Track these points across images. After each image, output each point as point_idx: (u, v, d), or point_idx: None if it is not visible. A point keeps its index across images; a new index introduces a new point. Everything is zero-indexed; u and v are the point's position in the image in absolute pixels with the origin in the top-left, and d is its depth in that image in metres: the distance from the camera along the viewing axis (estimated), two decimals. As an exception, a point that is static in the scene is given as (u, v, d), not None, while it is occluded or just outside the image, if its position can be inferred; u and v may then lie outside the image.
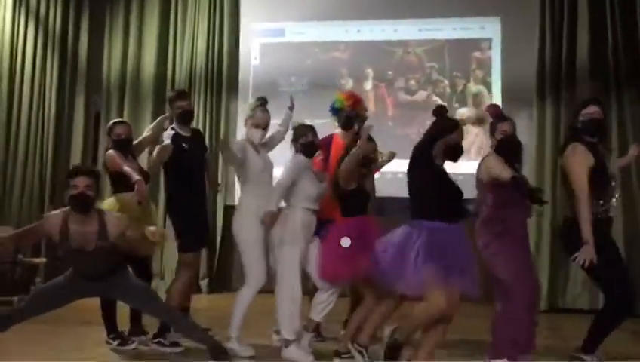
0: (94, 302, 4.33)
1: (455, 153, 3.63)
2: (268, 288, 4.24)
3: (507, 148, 3.80)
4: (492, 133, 3.94)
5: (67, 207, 3.69)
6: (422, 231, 3.48)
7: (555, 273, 6.23)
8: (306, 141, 4.16)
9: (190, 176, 4.43)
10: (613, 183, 3.76)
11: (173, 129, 4.41)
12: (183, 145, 4.35)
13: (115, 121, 4.84)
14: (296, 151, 4.19)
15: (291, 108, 4.70)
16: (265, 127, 4.42)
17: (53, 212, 3.80)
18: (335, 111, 4.62)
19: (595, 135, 3.78)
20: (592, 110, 3.78)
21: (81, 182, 3.59)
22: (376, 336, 3.98)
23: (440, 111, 3.71)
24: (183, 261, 4.44)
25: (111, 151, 4.42)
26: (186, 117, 4.51)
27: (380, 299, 3.95)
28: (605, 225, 3.72)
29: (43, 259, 6.42)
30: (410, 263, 3.44)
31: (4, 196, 7.20)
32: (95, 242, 3.63)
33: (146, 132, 4.88)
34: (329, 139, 4.60)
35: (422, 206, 3.60)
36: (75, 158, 7.33)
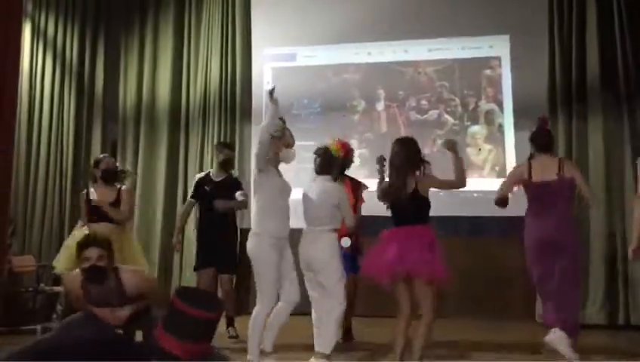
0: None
1: None
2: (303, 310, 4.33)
3: None
4: None
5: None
6: None
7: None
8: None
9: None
10: None
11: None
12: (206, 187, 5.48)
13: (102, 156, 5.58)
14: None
15: (271, 91, 4.47)
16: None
17: (71, 275, 3.82)
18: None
19: None
20: None
21: (93, 254, 3.56)
22: None
23: None
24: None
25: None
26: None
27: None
28: None
29: (63, 288, 6.47)
30: None
31: (25, 226, 7.31)
32: (115, 301, 3.61)
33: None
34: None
35: None
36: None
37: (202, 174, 5.77)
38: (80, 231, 4.96)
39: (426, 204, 4.03)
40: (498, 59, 6.96)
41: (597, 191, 5.90)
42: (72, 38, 7.71)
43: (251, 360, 4.18)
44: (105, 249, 3.62)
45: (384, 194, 4.09)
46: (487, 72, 6.98)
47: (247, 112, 7.39)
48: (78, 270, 3.71)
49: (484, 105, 6.96)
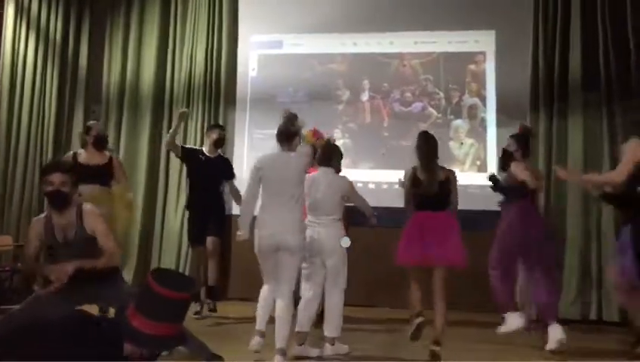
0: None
1: None
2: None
3: None
4: None
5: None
6: None
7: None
8: None
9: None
10: None
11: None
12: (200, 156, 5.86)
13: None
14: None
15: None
16: None
17: (36, 217, 3.85)
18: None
19: None
20: None
21: (56, 179, 3.63)
22: None
23: None
24: None
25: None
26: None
27: None
28: None
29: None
30: None
31: (3, 204, 7.26)
32: (75, 234, 3.66)
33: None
34: None
35: None
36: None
37: (195, 146, 6.16)
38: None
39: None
40: (483, 54, 7.01)
41: (575, 187, 6.04)
42: (56, 17, 7.64)
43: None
44: (68, 175, 3.67)
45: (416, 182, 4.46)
46: (472, 66, 7.02)
47: (231, 98, 7.38)
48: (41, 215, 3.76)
49: (468, 100, 7.01)
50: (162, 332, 2.30)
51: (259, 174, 4.27)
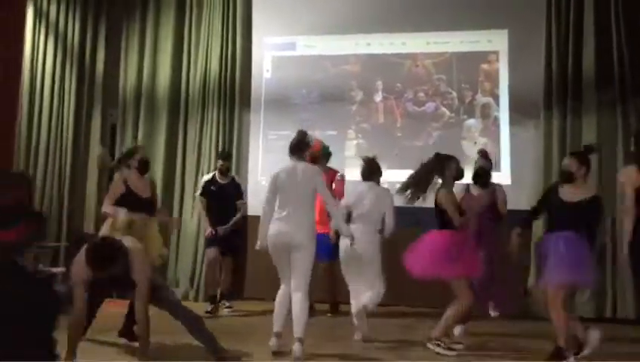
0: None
1: None
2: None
3: None
4: None
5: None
6: None
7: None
8: None
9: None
10: None
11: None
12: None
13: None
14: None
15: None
16: None
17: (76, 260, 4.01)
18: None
19: None
20: None
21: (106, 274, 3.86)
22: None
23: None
24: None
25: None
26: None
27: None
28: None
29: (62, 269, 6.59)
30: None
31: (24, 205, 7.37)
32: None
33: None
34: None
35: None
36: (92, 167, 7.56)
37: (209, 176, 6.60)
38: (122, 220, 4.66)
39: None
40: (496, 53, 7.02)
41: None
42: (73, 22, 7.77)
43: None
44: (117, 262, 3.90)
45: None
46: (485, 66, 7.04)
47: (246, 99, 7.46)
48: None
49: (481, 99, 7.02)
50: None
51: (276, 185, 4.56)
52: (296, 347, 4.26)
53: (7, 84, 6.48)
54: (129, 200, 4.74)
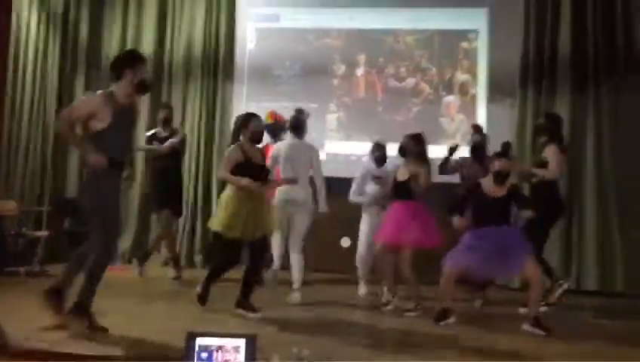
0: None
1: None
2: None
3: None
4: None
5: None
6: None
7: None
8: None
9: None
10: None
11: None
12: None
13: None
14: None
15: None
16: None
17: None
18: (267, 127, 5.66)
19: None
20: None
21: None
22: None
23: None
24: None
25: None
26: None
27: None
28: None
29: (45, 233, 6.67)
30: None
31: (8, 170, 7.36)
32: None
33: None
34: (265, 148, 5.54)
35: None
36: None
37: (151, 132, 6.51)
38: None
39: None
40: (476, 32, 7.19)
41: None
42: (57, -14, 7.72)
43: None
44: None
45: None
46: (465, 44, 7.20)
47: (229, 70, 7.54)
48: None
49: (460, 76, 7.21)
50: None
51: (277, 159, 5.32)
52: (295, 296, 5.21)
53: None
54: (246, 167, 4.67)
